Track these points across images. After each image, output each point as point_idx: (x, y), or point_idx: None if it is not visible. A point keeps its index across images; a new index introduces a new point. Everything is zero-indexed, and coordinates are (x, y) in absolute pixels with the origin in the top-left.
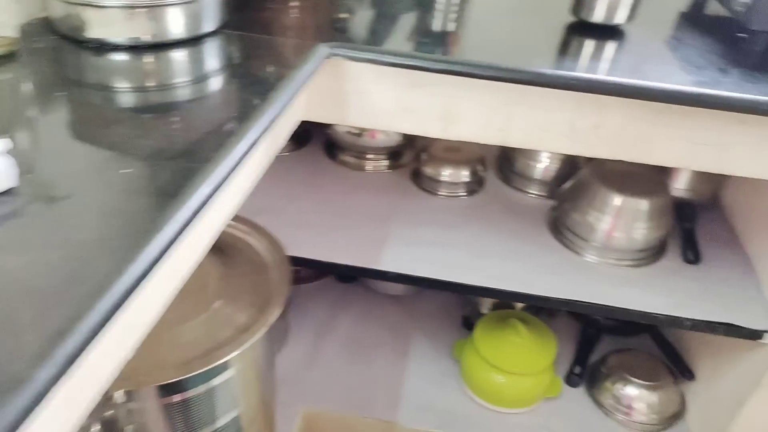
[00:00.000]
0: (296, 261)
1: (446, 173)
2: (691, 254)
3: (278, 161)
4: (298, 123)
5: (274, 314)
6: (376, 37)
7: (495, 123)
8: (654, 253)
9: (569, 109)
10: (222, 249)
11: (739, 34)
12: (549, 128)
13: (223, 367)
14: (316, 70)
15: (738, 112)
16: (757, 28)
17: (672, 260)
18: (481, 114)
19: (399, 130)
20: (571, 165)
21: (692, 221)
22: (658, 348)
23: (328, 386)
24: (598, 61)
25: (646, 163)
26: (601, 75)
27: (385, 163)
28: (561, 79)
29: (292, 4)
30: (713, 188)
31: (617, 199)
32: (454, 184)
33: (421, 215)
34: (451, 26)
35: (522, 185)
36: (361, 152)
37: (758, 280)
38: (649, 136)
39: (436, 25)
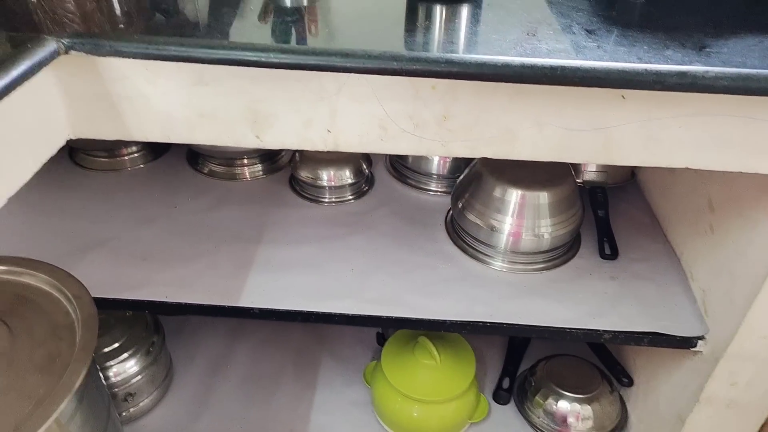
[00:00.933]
0: (133, 305)
1: (325, 177)
2: (608, 248)
3: (128, 176)
4: (58, 144)
5: (76, 380)
6: (135, 20)
7: (319, 123)
8: (567, 250)
9: (406, 98)
10: (12, 309)
11: None
12: (387, 125)
13: None
14: (39, 72)
15: (609, 87)
16: None
17: (587, 257)
18: (298, 113)
19: (199, 141)
20: None
21: (606, 208)
22: (591, 350)
23: None
24: (428, 34)
25: (515, 159)
26: (421, 52)
27: (260, 168)
28: (374, 59)
29: None
30: (628, 167)
31: (515, 194)
32: (337, 188)
33: (297, 230)
34: None
35: (417, 181)
36: (229, 158)
37: (684, 274)
38: (509, 126)
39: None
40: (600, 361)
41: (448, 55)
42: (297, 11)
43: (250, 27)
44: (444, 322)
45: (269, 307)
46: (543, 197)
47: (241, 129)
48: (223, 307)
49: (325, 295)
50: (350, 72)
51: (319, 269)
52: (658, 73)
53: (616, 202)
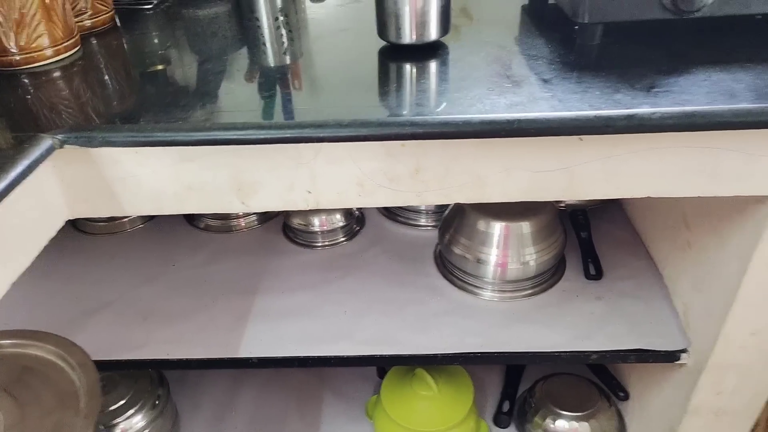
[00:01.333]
0: (135, 365)
1: (317, 222)
2: (593, 268)
3: (128, 237)
4: (57, 226)
5: None
6: (127, 96)
7: (300, 186)
8: (552, 274)
9: (379, 157)
10: (20, 380)
11: (576, 28)
12: (364, 182)
13: None
14: (36, 168)
15: (565, 135)
16: (588, 20)
17: (573, 279)
18: (279, 179)
19: (188, 211)
20: None
21: (588, 229)
22: (587, 366)
23: None
24: (399, 95)
25: (487, 201)
26: (389, 116)
27: (254, 218)
28: (345, 128)
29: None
30: None
31: (498, 227)
32: (329, 232)
33: (292, 277)
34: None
35: (407, 218)
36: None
37: (667, 289)
38: (479, 173)
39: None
40: (596, 377)
41: (413, 118)
42: (280, 70)
43: (238, 88)
44: (436, 356)
45: (267, 356)
46: (526, 227)
47: (227, 197)
48: (223, 359)
49: (321, 339)
50: (324, 141)
51: (314, 314)
52: (607, 118)
53: (598, 223)
